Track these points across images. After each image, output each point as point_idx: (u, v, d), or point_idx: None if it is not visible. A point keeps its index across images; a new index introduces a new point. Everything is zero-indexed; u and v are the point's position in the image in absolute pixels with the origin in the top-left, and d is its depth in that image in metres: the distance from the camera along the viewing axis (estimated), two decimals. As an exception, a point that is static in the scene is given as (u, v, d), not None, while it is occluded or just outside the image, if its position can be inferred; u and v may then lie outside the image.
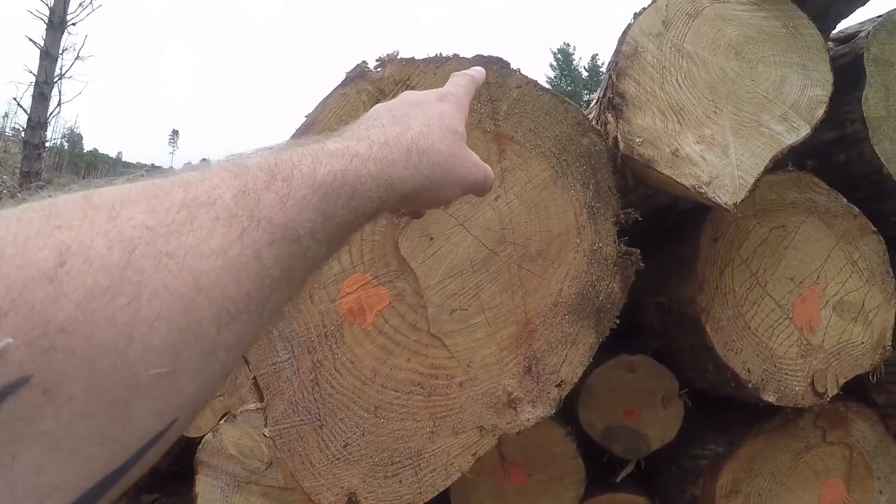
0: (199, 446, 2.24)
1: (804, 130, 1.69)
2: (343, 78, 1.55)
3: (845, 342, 1.96)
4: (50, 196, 0.44)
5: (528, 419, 1.52)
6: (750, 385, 1.87)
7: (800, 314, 1.93)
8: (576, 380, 1.52)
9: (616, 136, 1.58)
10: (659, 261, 2.04)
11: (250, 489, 2.20)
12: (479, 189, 0.90)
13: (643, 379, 2.18)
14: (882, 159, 1.97)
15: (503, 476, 2.12)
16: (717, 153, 1.61)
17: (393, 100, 0.88)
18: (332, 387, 1.56)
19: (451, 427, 1.54)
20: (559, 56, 54.57)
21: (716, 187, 1.57)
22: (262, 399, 1.63)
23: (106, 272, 0.40)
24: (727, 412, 2.26)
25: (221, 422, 2.21)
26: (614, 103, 1.61)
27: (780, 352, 1.90)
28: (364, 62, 1.55)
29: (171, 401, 0.43)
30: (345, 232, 0.65)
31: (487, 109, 1.54)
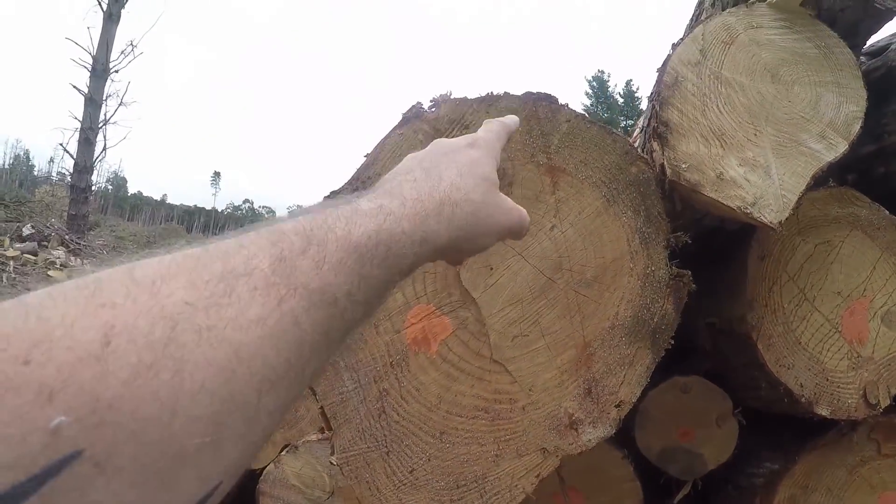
0: (261, 477, 2.33)
1: (842, 147, 1.79)
2: (400, 119, 1.67)
3: (894, 353, 2.06)
4: (94, 271, 0.47)
5: (590, 440, 1.61)
6: (803, 399, 1.94)
7: (849, 327, 2.01)
8: (634, 400, 1.61)
9: (663, 163, 1.68)
10: (708, 282, 2.12)
11: None
12: (516, 233, 0.93)
13: (697, 400, 2.25)
14: (923, 170, 2.08)
15: (563, 501, 2.22)
16: (759, 174, 1.71)
17: (424, 150, 0.91)
18: (398, 414, 1.65)
19: (514, 450, 1.62)
20: (594, 84, 54.54)
21: (761, 207, 1.67)
22: (329, 428, 1.73)
23: (149, 349, 0.43)
24: (781, 430, 2.31)
25: (283, 453, 2.30)
26: (659, 132, 1.71)
27: (832, 365, 1.97)
28: (419, 103, 1.66)
29: (214, 467, 0.46)
30: (381, 290, 0.67)
31: (539, 144, 1.65)
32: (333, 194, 1.74)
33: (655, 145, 1.72)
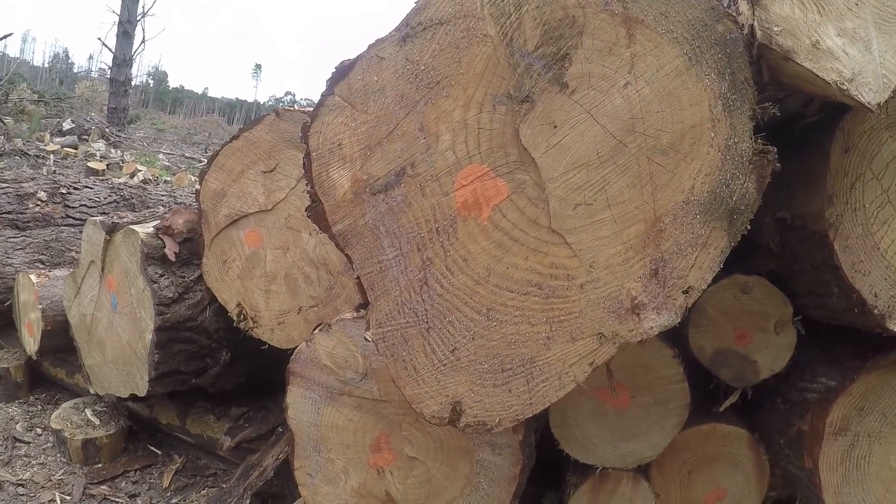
0: (292, 356, 2.26)
1: (954, 30, 1.66)
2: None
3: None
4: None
5: (652, 327, 1.48)
6: (876, 311, 1.81)
7: (933, 239, 1.89)
8: (704, 286, 1.47)
9: (752, 24, 1.54)
10: (780, 175, 2.02)
11: (343, 401, 2.23)
12: None
13: (757, 302, 2.14)
14: None
15: (609, 395, 2.13)
16: (859, 48, 1.55)
17: None
18: (441, 287, 1.55)
19: (568, 333, 1.50)
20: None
21: (859, 84, 1.51)
22: (365, 301, 1.62)
23: None
24: (840, 345, 2.23)
25: (315, 331, 2.22)
26: (750, -10, 1.58)
27: (910, 278, 1.86)
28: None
29: None
30: None
31: (616, -9, 1.52)
32: (379, 42, 1.62)
33: (744, 4, 1.57)
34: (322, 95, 1.63)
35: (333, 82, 1.62)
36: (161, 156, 17.86)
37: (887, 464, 2.16)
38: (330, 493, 2.32)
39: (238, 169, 2.83)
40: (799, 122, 2.00)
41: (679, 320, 1.49)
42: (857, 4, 1.60)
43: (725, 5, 1.68)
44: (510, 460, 2.13)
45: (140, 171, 13.22)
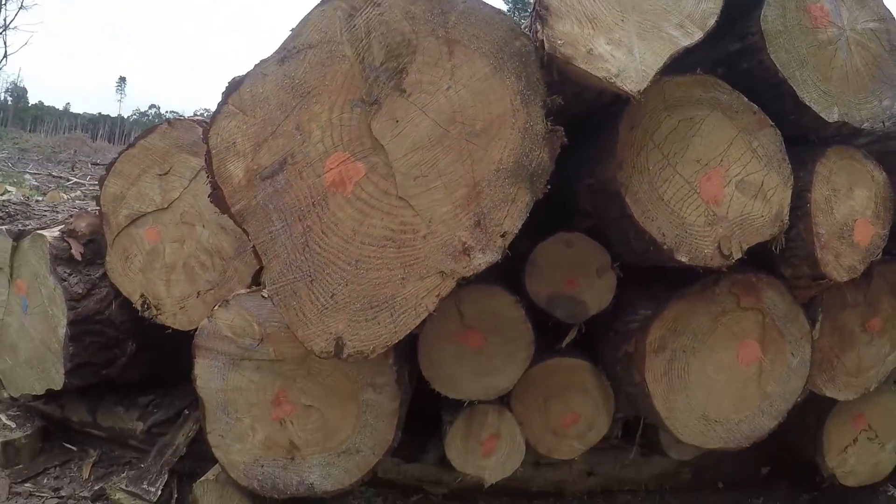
0: (196, 333, 2.74)
1: (697, 35, 2.27)
2: (319, -1, 2.13)
3: (747, 215, 2.55)
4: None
5: (480, 264, 2.09)
6: (665, 247, 2.45)
7: (706, 190, 2.52)
8: (517, 231, 2.09)
9: (543, 39, 2.16)
10: (589, 150, 2.66)
11: (244, 365, 2.73)
12: None
13: (580, 253, 2.80)
14: (777, 66, 2.60)
15: (467, 339, 2.74)
16: (623, 52, 2.18)
17: None
18: (319, 247, 2.12)
19: (418, 273, 2.10)
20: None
21: (623, 78, 2.14)
22: (261, 264, 2.17)
23: None
24: (656, 284, 2.88)
25: (215, 308, 2.72)
26: (541, 14, 2.15)
27: (690, 220, 2.50)
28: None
29: None
30: None
31: (439, 20, 2.09)
32: (263, 62, 2.19)
33: (538, 25, 2.19)
34: (218, 105, 2.18)
35: (227, 94, 2.18)
36: (27, 176, 17.81)
37: (705, 373, 2.84)
38: (241, 450, 2.81)
39: (135, 173, 3.30)
40: (599, 108, 2.62)
41: (500, 258, 2.11)
42: (622, 20, 2.24)
43: (525, 26, 2.30)
44: (390, 397, 2.70)
45: (10, 191, 13.17)
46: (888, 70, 2.85)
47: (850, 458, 3.54)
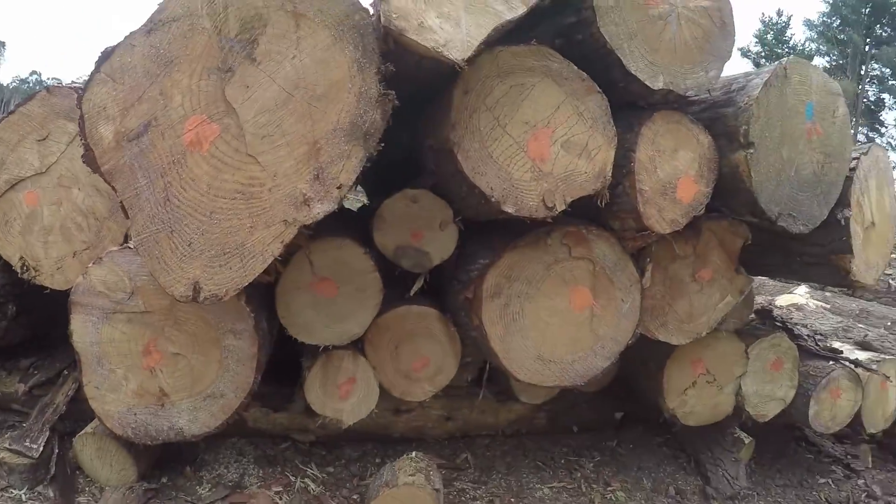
0: (72, 290, 2.96)
1: (521, 10, 2.59)
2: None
3: (571, 171, 2.92)
4: None
5: (318, 213, 2.40)
6: (493, 199, 2.79)
7: (533, 149, 2.87)
8: (351, 183, 2.40)
9: (379, 14, 2.45)
10: (431, 115, 2.97)
11: (116, 318, 2.96)
12: None
13: (424, 208, 3.16)
14: (606, 38, 2.94)
15: (321, 288, 3.06)
16: (451, 24, 2.48)
17: None
18: (178, 200, 2.40)
19: (264, 222, 2.40)
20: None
21: (449, 48, 2.45)
22: (127, 217, 2.44)
23: None
24: (497, 237, 3.22)
25: (90, 265, 2.95)
26: (379, -10, 2.48)
27: (517, 176, 2.84)
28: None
29: None
30: None
31: (289, -5, 2.40)
32: (132, 34, 2.43)
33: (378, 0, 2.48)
34: (91, 73, 2.45)
35: (99, 63, 2.44)
36: None
37: (539, 317, 3.22)
38: (115, 400, 3.02)
39: (15, 140, 3.46)
40: (440, 77, 2.92)
41: (336, 207, 2.43)
42: (452, -5, 2.52)
43: (371, 4, 2.57)
44: (249, 342, 2.98)
45: None
46: (717, 44, 3.24)
47: (690, 399, 3.98)
